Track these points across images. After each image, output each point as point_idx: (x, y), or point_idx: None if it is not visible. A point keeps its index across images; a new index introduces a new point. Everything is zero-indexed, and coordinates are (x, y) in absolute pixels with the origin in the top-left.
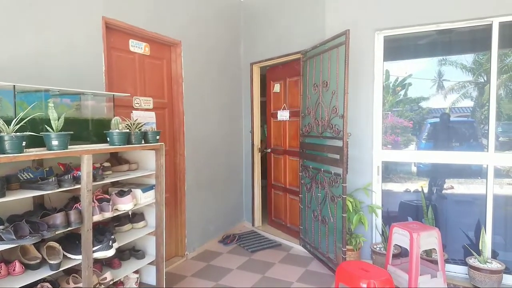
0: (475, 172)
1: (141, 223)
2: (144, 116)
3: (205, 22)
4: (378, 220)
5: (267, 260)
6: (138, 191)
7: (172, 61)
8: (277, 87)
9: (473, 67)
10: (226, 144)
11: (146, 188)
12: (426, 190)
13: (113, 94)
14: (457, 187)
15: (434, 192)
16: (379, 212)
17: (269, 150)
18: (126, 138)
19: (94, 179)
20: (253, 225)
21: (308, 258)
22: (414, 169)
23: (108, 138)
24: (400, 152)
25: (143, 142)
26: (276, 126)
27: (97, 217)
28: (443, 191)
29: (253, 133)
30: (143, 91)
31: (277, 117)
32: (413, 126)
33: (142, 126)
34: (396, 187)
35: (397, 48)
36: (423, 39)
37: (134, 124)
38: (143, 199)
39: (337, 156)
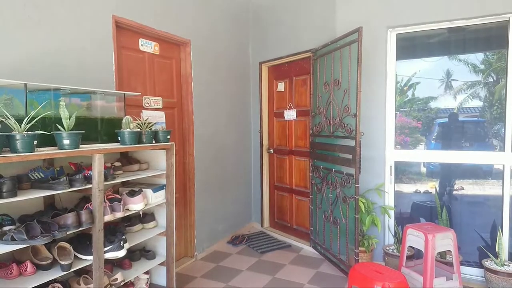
0: (487, 173)
1: (152, 223)
2: (154, 116)
3: (214, 22)
4: (390, 221)
5: (277, 261)
6: (149, 191)
7: (181, 60)
8: (281, 86)
9: (483, 67)
10: (234, 143)
11: (156, 188)
12: (437, 190)
13: (124, 93)
14: (470, 187)
15: (446, 192)
16: (392, 213)
17: (271, 151)
18: (137, 138)
19: (105, 179)
20: (262, 225)
21: (319, 259)
22: (424, 169)
23: (119, 138)
24: (413, 152)
25: (153, 141)
26: (280, 126)
27: (108, 217)
28: (455, 192)
29: (262, 133)
30: (152, 91)
31: (282, 117)
32: (422, 126)
33: (153, 125)
34: (407, 187)
35: (407, 47)
36: (434, 37)
37: (145, 123)
38: (154, 199)
39: (349, 156)
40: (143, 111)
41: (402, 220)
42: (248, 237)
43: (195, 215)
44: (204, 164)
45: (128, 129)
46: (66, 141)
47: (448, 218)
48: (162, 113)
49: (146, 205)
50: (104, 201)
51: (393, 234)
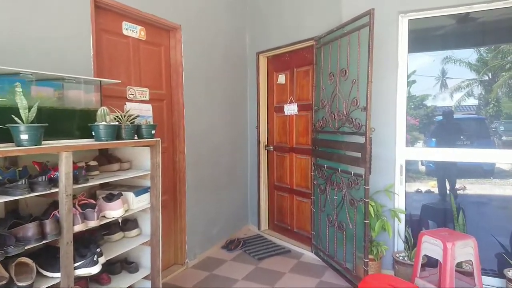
0: (506, 172)
1: (134, 231)
2: (140, 109)
3: (207, 6)
4: (400, 226)
5: (276, 269)
6: (130, 195)
7: (171, 47)
8: (281, 78)
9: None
10: (230, 140)
11: (139, 191)
12: (446, 191)
13: (100, 80)
14: (484, 188)
15: (455, 193)
16: (402, 217)
17: (271, 148)
18: (115, 132)
19: (76, 181)
20: (259, 228)
21: (322, 267)
22: (431, 168)
23: (93, 132)
24: (427, 150)
25: (136, 137)
26: (281, 121)
27: (79, 227)
28: (467, 192)
29: (259, 129)
30: (138, 81)
31: (283, 111)
32: (430, 123)
33: (135, 118)
34: (415, 188)
35: (420, 38)
36: (447, 28)
37: (125, 116)
38: (136, 203)
39: (358, 154)
40: (126, 103)
41: (412, 224)
42: (244, 242)
43: (186, 218)
44: (196, 163)
45: (103, 123)
46: (24, 136)
47: (465, 223)
48: (149, 106)
49: (126, 211)
50: (75, 207)
51: (404, 240)
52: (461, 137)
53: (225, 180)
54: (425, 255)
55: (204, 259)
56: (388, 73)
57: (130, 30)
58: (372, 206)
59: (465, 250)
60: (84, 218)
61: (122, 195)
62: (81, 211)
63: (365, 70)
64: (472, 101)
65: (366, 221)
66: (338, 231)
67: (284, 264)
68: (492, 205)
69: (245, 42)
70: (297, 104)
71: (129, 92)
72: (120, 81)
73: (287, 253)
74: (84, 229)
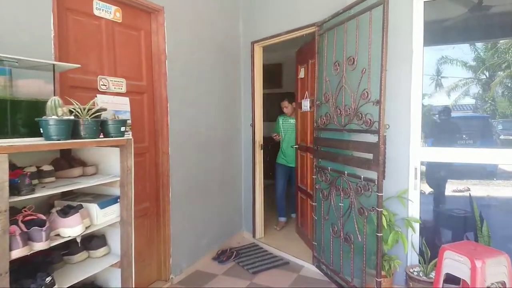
0: None
1: (102, 250)
2: (114, 102)
3: None
4: (414, 236)
5: (273, 285)
6: (93, 207)
7: (152, 32)
8: (302, 72)
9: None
10: (221, 139)
11: (106, 201)
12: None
13: (53, 64)
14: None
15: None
16: (417, 226)
17: (296, 147)
18: (69, 129)
19: (18, 192)
20: (254, 236)
21: (324, 282)
22: (436, 169)
23: (41, 129)
24: (447, 150)
25: (101, 135)
26: (302, 118)
27: (19, 252)
28: (487, 196)
29: (255, 127)
30: (112, 70)
31: (301, 108)
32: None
33: (99, 112)
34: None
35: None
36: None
37: (85, 108)
38: (102, 217)
39: (369, 156)
40: (98, 95)
41: (425, 233)
42: (238, 252)
43: (171, 228)
44: (182, 165)
45: (54, 117)
46: None
47: (490, 234)
48: (126, 99)
49: (88, 227)
50: (18, 225)
51: (418, 252)
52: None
53: (216, 183)
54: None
55: (192, 273)
56: (401, 62)
57: (102, 10)
58: (384, 215)
59: (497, 269)
60: (28, 239)
61: (82, 207)
62: (25, 229)
63: (378, 57)
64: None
65: (379, 234)
66: (344, 243)
67: (282, 279)
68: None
69: (239, 30)
70: (309, 99)
71: (101, 83)
72: (79, 66)
73: (285, 265)
74: (28, 253)
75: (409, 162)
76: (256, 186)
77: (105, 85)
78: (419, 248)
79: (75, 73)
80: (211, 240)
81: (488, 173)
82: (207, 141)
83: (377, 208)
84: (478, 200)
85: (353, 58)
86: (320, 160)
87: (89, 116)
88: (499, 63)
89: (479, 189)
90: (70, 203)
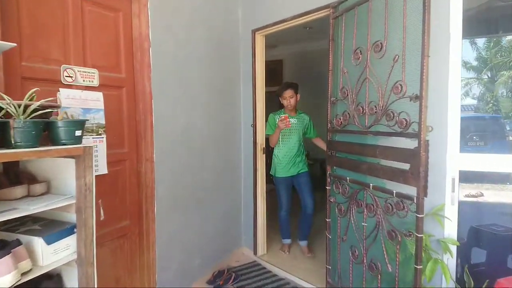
0: None
1: None
2: (83, 99)
3: None
4: (451, 261)
5: None
6: (38, 242)
7: (133, 15)
8: None
9: None
10: (218, 142)
11: (57, 233)
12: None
13: None
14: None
15: None
16: (455, 250)
17: None
18: None
19: None
20: (255, 253)
21: None
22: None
23: None
24: (494, 157)
25: (50, 143)
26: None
27: None
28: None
29: (256, 127)
30: (80, 58)
31: None
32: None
33: (47, 109)
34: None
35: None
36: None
37: (20, 105)
38: (50, 256)
39: (405, 166)
40: (61, 90)
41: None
42: (236, 274)
43: (156, 250)
44: (170, 173)
45: None
46: None
47: None
48: (99, 95)
49: (27, 272)
50: None
51: (454, 280)
52: None
53: (211, 193)
54: None
55: None
56: (436, 50)
57: None
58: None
59: None
60: None
61: (19, 244)
62: None
63: (415, 40)
64: None
65: (418, 267)
66: (368, 271)
67: None
68: None
69: (237, 16)
70: None
71: (66, 74)
72: (15, 44)
73: None
74: None
75: (446, 171)
76: (257, 195)
77: (71, 77)
78: (456, 276)
79: (31, 61)
80: (206, 260)
81: (501, 177)
82: (201, 145)
83: (416, 234)
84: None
85: (381, 44)
86: (335, 168)
87: (27, 116)
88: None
89: (492, 195)
90: (9, 235)
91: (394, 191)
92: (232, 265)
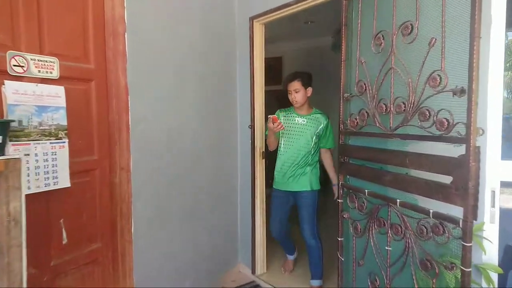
0: None
1: None
2: (38, 94)
3: None
4: None
5: None
6: None
7: None
8: None
9: None
10: (211, 146)
11: None
12: None
13: None
14: None
15: None
16: (496, 278)
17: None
18: None
19: None
20: (253, 272)
21: None
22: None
23: None
24: None
25: None
26: None
27: None
28: None
29: (254, 129)
30: (35, 43)
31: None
32: None
33: None
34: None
35: None
36: None
37: None
38: None
39: (446, 178)
40: (6, 82)
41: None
42: None
43: (134, 277)
44: (151, 184)
45: None
46: None
47: None
48: (60, 89)
49: None
50: None
51: None
52: None
53: (203, 205)
54: None
55: None
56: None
57: None
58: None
59: None
60: None
61: None
62: None
63: (459, 18)
64: None
65: None
66: None
67: None
68: None
69: (233, 1)
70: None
71: (14, 63)
72: None
73: None
74: None
75: (485, 182)
76: (256, 206)
77: (22, 66)
78: None
79: None
80: (198, 281)
81: None
82: (190, 150)
83: (462, 267)
84: None
85: (411, 25)
86: (348, 177)
87: None
88: None
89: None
90: None
91: (431, 211)
92: (228, 286)
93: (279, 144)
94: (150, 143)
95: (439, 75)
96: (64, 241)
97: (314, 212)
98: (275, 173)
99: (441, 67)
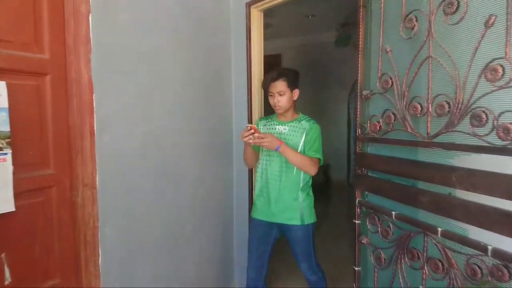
0: None
1: None
2: None
3: None
4: None
5: None
6: None
7: None
8: None
9: None
10: (200, 154)
11: None
12: None
13: None
14: None
15: None
16: None
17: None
18: None
19: None
20: None
21: None
22: None
23: None
24: None
25: None
26: None
27: None
28: None
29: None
30: None
31: None
32: None
33: None
34: None
35: None
36: None
37: None
38: None
39: (510, 204)
40: None
41: None
42: None
43: None
44: (124, 204)
45: None
46: None
47: None
48: (0, 85)
49: None
50: None
51: None
52: None
53: (190, 226)
54: None
55: None
56: None
57: None
58: None
59: None
60: None
61: None
62: None
63: None
64: None
65: None
66: None
67: None
68: None
69: None
70: None
71: None
72: None
73: None
74: None
75: None
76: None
77: None
78: None
79: None
80: None
81: None
82: (175, 159)
83: None
84: None
85: (456, 2)
86: (367, 193)
87: None
88: None
89: None
90: None
91: (490, 247)
92: None
93: (259, 160)
94: (121, 152)
95: (501, 65)
96: (7, 281)
97: (310, 247)
98: (254, 197)
99: (505, 54)
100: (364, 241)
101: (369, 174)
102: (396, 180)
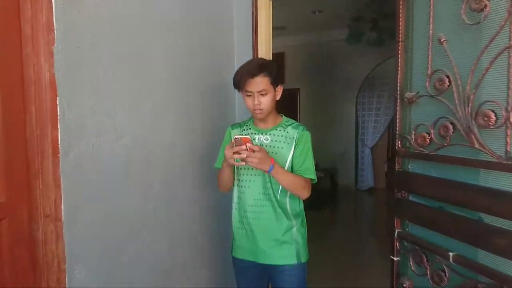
0: None
1: None
2: None
3: None
4: None
5: None
6: None
7: None
8: None
9: None
10: (198, 168)
11: None
12: None
13: None
14: None
15: None
16: None
17: None
18: None
19: None
20: None
21: None
22: None
23: None
24: None
25: None
26: None
27: None
28: None
29: None
30: None
31: None
32: None
33: None
34: None
35: None
36: None
37: None
38: None
39: None
40: None
41: None
42: None
43: None
44: (99, 240)
45: None
46: None
47: None
48: None
49: None
50: None
51: None
52: None
53: (186, 261)
54: None
55: None
56: None
57: None
58: None
59: None
60: None
61: None
62: None
63: None
64: None
65: None
66: None
67: None
68: None
69: None
70: None
71: None
72: None
73: None
74: None
75: None
76: None
77: None
78: None
79: None
80: None
81: None
82: (167, 178)
83: None
84: None
85: None
86: (408, 223)
87: None
88: None
89: None
90: None
91: None
92: None
93: (235, 181)
94: (93, 172)
95: None
96: None
97: None
98: (233, 229)
99: None
100: (406, 285)
101: (410, 198)
102: (452, 210)
